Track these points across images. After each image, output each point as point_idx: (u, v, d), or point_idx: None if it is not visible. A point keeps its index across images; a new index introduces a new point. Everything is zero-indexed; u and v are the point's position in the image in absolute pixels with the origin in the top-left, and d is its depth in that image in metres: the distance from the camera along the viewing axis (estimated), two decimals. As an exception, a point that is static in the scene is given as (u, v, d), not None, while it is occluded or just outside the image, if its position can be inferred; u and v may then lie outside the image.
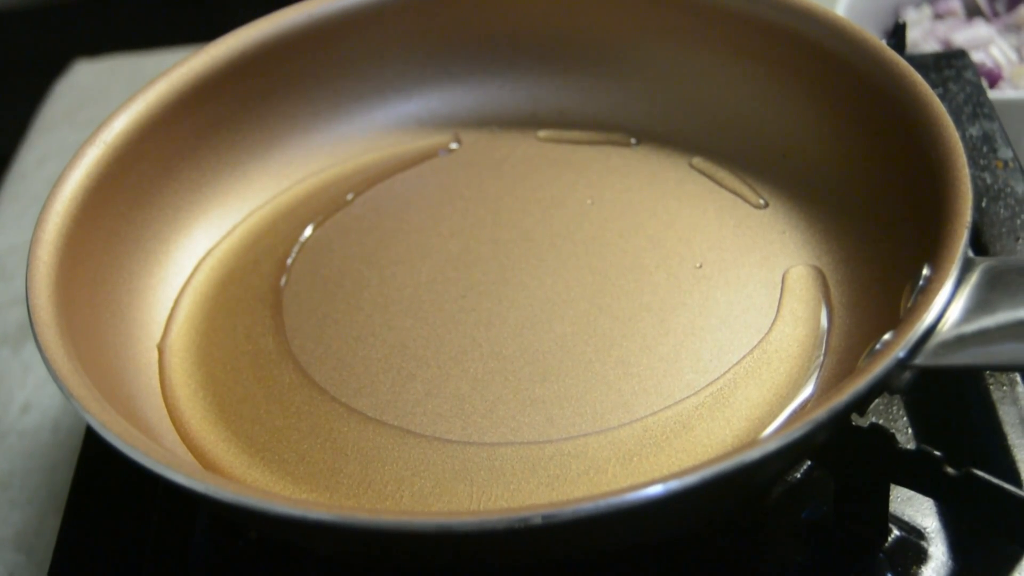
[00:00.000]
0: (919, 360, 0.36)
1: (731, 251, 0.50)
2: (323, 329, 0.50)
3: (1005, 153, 0.55)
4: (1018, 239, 0.51)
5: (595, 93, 0.59)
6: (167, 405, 0.47)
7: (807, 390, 0.44)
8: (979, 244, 0.51)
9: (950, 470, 0.39)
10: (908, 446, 0.40)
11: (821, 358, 0.45)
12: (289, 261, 0.54)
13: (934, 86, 0.58)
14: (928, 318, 0.37)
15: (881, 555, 0.41)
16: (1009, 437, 0.44)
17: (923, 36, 0.73)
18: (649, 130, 0.57)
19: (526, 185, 0.56)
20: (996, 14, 0.75)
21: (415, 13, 0.59)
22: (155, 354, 0.50)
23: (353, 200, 0.57)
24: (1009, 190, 0.54)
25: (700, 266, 0.50)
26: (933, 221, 0.41)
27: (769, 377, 0.45)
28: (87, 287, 0.47)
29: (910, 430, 0.46)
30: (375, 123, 0.59)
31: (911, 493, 0.43)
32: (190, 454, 0.45)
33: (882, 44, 0.49)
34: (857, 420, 0.43)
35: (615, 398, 0.45)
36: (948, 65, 0.61)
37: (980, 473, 0.39)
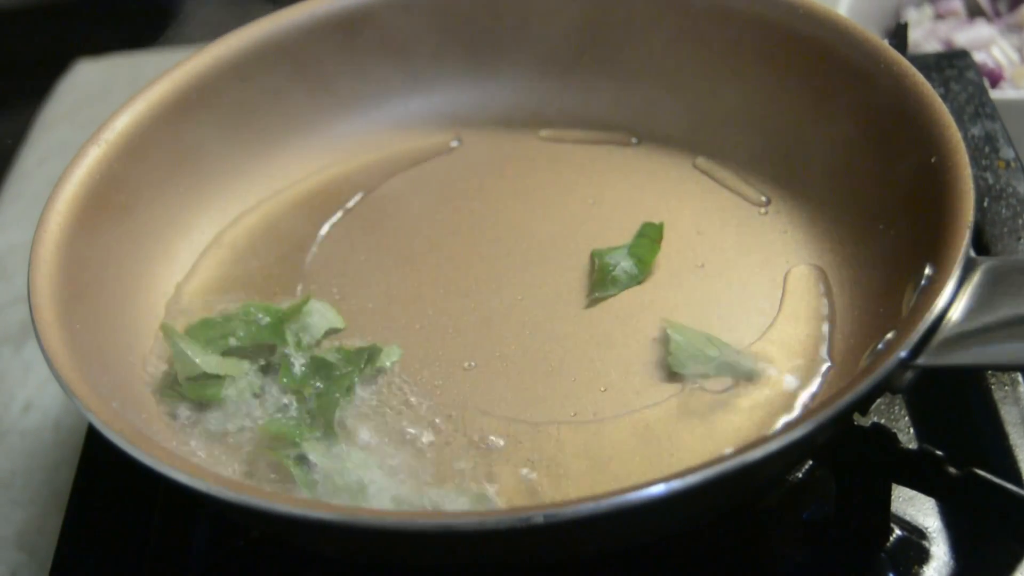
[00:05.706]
0: (921, 359, 0.36)
1: (733, 251, 0.50)
2: (325, 328, 0.50)
3: (1007, 153, 0.55)
4: (1020, 239, 0.51)
5: (596, 93, 0.59)
6: (169, 404, 0.47)
7: (809, 389, 0.44)
8: (981, 244, 0.51)
9: (952, 470, 0.39)
10: (910, 446, 0.41)
11: (823, 357, 0.45)
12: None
13: (936, 86, 0.58)
14: (930, 317, 0.37)
15: (883, 554, 0.41)
16: (1011, 437, 0.44)
17: (925, 36, 0.73)
18: (650, 130, 0.57)
19: (528, 184, 0.56)
20: (998, 14, 0.75)
21: (417, 13, 0.58)
22: (157, 353, 0.49)
23: (354, 199, 0.57)
24: (1011, 190, 0.54)
25: (702, 265, 0.50)
26: (935, 221, 0.41)
27: (771, 376, 0.45)
28: (88, 286, 0.47)
29: (912, 430, 0.46)
30: (377, 122, 0.59)
31: (913, 493, 0.43)
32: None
33: (884, 44, 0.48)
34: (859, 420, 0.43)
35: (616, 396, 0.45)
36: (950, 65, 0.61)
37: (982, 473, 0.39)
